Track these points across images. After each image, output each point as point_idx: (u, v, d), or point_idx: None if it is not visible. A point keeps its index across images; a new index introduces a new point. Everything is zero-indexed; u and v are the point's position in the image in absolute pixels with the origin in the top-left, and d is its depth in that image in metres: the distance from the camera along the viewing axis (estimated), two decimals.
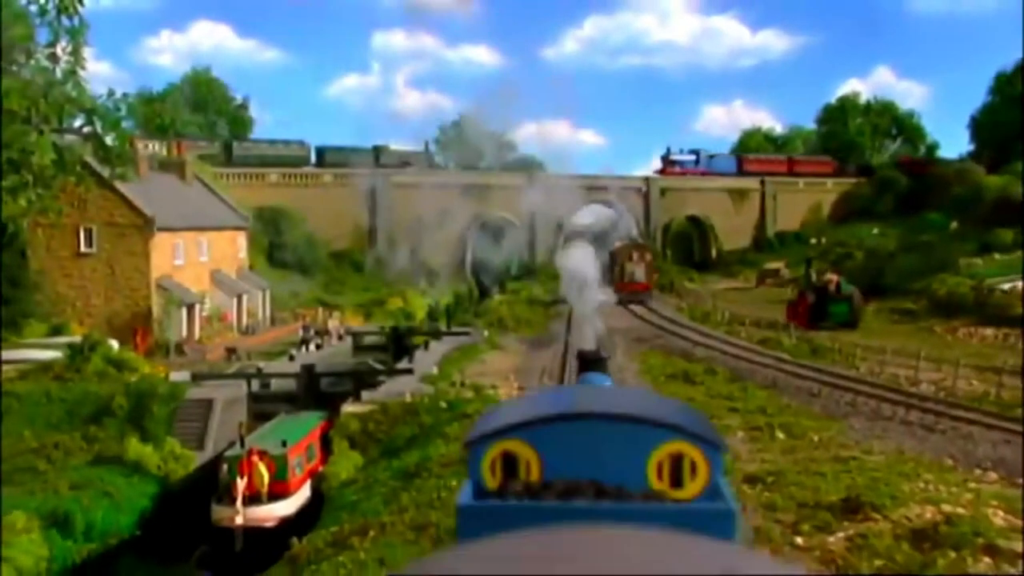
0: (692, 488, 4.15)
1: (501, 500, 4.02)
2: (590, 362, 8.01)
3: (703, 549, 1.77)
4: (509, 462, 4.22)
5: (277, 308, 53.47)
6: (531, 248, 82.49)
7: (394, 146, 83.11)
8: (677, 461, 4.17)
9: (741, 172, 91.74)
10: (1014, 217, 62.23)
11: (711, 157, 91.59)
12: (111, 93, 15.60)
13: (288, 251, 64.27)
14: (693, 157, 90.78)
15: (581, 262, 26.17)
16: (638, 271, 62.57)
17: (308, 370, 30.59)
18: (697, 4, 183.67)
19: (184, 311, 42.49)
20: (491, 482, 4.21)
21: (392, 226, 73.62)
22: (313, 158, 77.73)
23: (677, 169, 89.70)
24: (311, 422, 26.39)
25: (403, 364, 34.42)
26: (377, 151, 79.95)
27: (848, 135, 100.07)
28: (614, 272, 62.63)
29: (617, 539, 1.76)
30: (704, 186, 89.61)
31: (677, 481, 4.14)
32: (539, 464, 4.22)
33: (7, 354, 33.50)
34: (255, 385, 29.87)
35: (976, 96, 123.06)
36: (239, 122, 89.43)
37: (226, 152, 73.37)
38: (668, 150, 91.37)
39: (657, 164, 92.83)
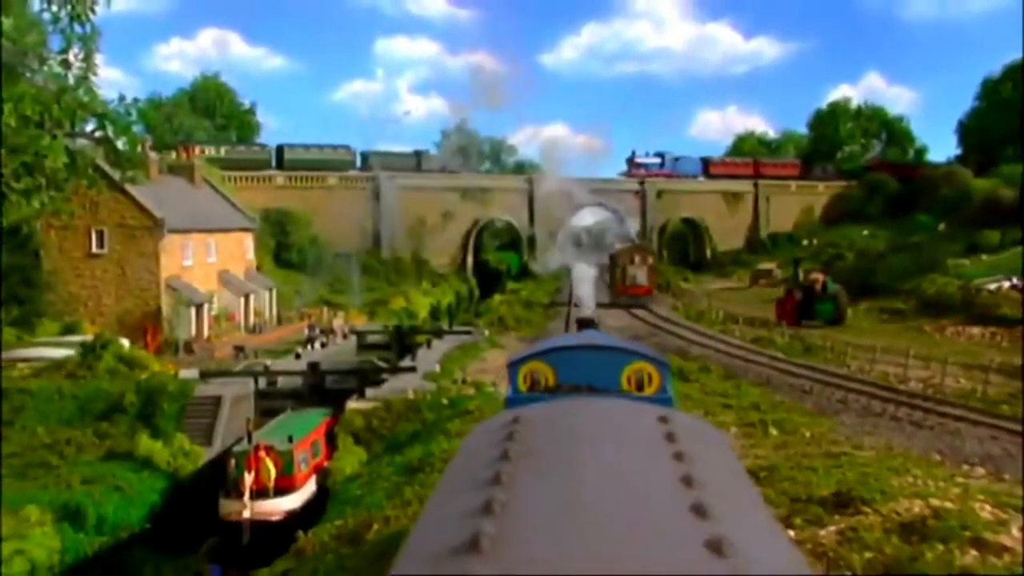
0: (649, 391, 6.68)
1: (531, 394, 6.49)
2: (586, 323, 12.34)
3: (648, 407, 3.39)
4: (535, 376, 6.82)
5: (283, 307, 53.84)
6: (531, 250, 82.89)
7: (432, 152, 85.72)
8: (640, 374, 6.74)
9: (707, 175, 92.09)
10: (1001, 219, 62.41)
11: (676, 160, 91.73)
12: (122, 98, 15.84)
13: (294, 252, 64.71)
14: (658, 160, 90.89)
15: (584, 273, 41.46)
16: (639, 274, 60.95)
17: (314, 368, 30.95)
18: (691, 11, 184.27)
19: (193, 310, 42.87)
20: (523, 387, 6.81)
21: (396, 228, 74.05)
22: (359, 162, 78.65)
23: (642, 172, 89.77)
24: (316, 418, 26.69)
25: (406, 362, 34.78)
26: (418, 156, 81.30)
27: (839, 139, 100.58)
28: (615, 275, 61.66)
29: (601, 401, 3.64)
30: (699, 188, 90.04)
31: (640, 387, 6.68)
32: (554, 376, 6.78)
33: (22, 352, 33.86)
34: (262, 382, 30.16)
35: (964, 101, 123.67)
36: (246, 127, 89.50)
37: (277, 156, 74.52)
38: (633, 152, 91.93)
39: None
